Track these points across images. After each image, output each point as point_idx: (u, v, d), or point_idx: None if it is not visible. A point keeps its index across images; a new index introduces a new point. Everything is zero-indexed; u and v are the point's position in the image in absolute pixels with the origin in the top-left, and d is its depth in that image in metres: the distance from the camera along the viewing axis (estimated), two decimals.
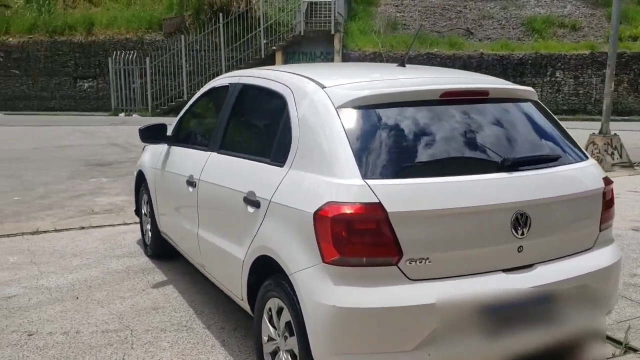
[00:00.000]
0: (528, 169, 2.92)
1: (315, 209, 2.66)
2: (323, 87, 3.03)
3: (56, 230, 6.34)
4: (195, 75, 22.12)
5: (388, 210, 2.58)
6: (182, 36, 22.14)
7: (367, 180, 2.63)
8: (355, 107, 2.88)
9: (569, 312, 2.93)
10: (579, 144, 3.39)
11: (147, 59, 22.13)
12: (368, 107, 2.89)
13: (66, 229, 6.37)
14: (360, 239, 2.60)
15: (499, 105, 3.20)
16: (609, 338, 3.65)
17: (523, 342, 2.83)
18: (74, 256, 5.48)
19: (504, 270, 2.81)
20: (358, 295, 2.59)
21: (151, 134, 4.70)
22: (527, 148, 3.07)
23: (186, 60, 22.25)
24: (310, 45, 22.45)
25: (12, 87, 23.27)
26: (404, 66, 3.56)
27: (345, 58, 22.49)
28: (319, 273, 2.67)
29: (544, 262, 2.93)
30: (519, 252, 2.83)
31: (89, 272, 5.06)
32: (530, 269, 2.88)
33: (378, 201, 2.58)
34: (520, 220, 2.81)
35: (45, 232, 6.29)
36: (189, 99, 21.61)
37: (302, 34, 21.80)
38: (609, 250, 3.22)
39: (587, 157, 3.29)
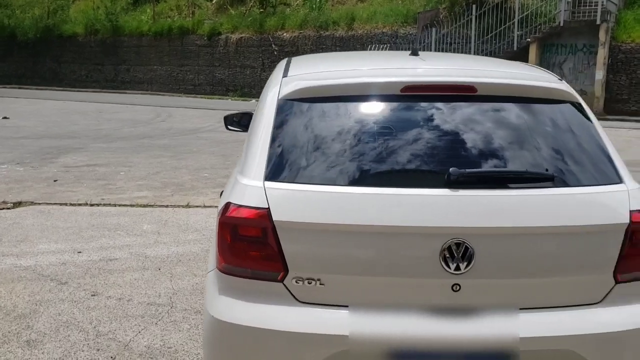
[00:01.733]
0: (484, 188, 2.27)
1: (219, 210, 2.47)
2: (285, 76, 2.76)
3: (204, 206, 6.92)
4: None
5: (274, 218, 2.25)
6: (434, 29, 21.99)
7: (268, 183, 2.33)
8: (296, 100, 2.56)
9: None
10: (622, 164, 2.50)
11: None
12: (310, 100, 2.54)
13: (214, 206, 6.91)
14: (245, 247, 2.32)
15: (496, 105, 2.54)
16: None
17: None
18: (195, 231, 5.93)
19: (430, 310, 2.25)
20: (236, 310, 2.32)
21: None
22: (511, 163, 2.38)
23: None
24: (570, 37, 20.39)
25: None
26: (417, 55, 3.04)
27: (614, 52, 19.94)
28: (213, 279, 2.48)
29: (499, 309, 2.27)
30: (454, 290, 2.24)
31: (193, 247, 5.44)
32: (472, 315, 2.25)
33: (267, 207, 2.28)
34: (455, 252, 2.21)
35: (195, 206, 6.93)
36: None
37: (561, 24, 19.89)
38: (634, 310, 2.34)
39: (620, 181, 2.42)
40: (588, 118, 2.59)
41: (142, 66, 30.29)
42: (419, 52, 3.09)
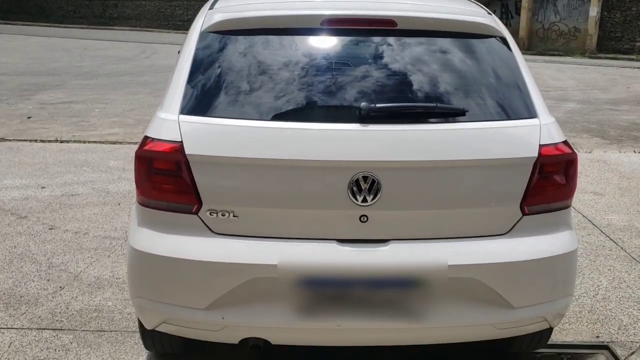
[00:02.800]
0: (394, 122, 2.30)
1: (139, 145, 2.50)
2: (210, 8, 2.73)
3: None
4: None
5: (187, 152, 2.29)
6: None
7: (182, 117, 2.35)
8: (216, 32, 2.53)
9: (437, 308, 2.32)
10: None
11: None
12: (231, 32, 2.52)
13: None
14: (160, 180, 2.36)
15: (417, 39, 2.53)
16: None
17: (355, 329, 2.35)
18: None
19: (339, 241, 2.32)
20: (153, 240, 2.38)
21: None
22: (425, 98, 2.39)
23: None
24: None
25: None
26: None
27: None
28: (135, 211, 2.54)
29: (406, 239, 2.34)
30: (361, 222, 2.30)
31: None
32: (380, 244, 2.32)
33: (180, 140, 2.31)
34: (362, 185, 2.26)
35: None
36: None
37: None
38: (539, 241, 2.41)
39: (534, 116, 2.44)
40: (512, 54, 2.59)
41: (130, 1, 29.67)
42: None
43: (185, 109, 2.36)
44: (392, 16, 2.49)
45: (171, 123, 2.34)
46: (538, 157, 2.34)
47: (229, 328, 2.37)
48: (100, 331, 3.11)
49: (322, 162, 2.25)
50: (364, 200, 2.25)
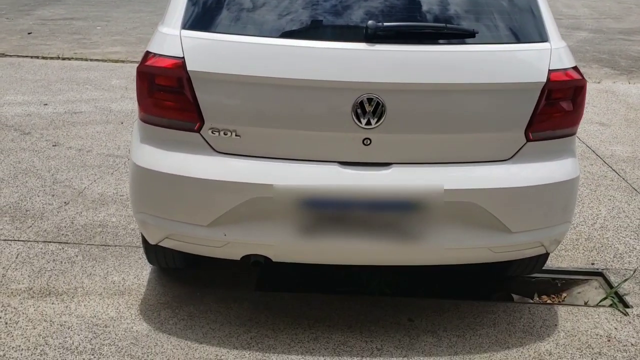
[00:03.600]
0: (402, 43, 2.24)
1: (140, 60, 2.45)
2: None
3: None
4: None
5: (189, 68, 2.25)
6: None
7: (184, 32, 2.30)
8: None
9: (435, 230, 2.35)
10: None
11: None
12: None
13: None
14: (161, 97, 2.33)
15: None
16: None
17: (354, 249, 2.39)
18: None
19: (341, 163, 2.32)
20: (156, 157, 2.38)
21: None
22: (434, 19, 2.33)
23: None
24: None
25: None
26: None
27: None
28: (137, 128, 2.52)
29: (408, 163, 2.34)
30: (365, 145, 2.28)
31: None
32: (382, 168, 2.33)
33: (182, 56, 2.27)
34: (367, 107, 2.23)
35: None
36: None
37: None
38: (541, 167, 2.41)
39: (545, 40, 2.38)
40: None
41: None
42: None
43: (188, 23, 2.31)
44: None
45: (173, 38, 2.30)
46: (547, 83, 2.30)
47: (231, 245, 2.41)
48: (105, 245, 3.17)
49: (326, 82, 2.22)
50: (368, 122, 2.23)
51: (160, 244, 2.53)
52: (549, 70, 2.31)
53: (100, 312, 2.65)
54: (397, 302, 2.82)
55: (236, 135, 2.30)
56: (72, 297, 2.75)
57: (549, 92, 2.32)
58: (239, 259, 2.48)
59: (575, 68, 2.39)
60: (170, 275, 2.97)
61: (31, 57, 6.88)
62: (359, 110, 2.22)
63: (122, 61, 6.83)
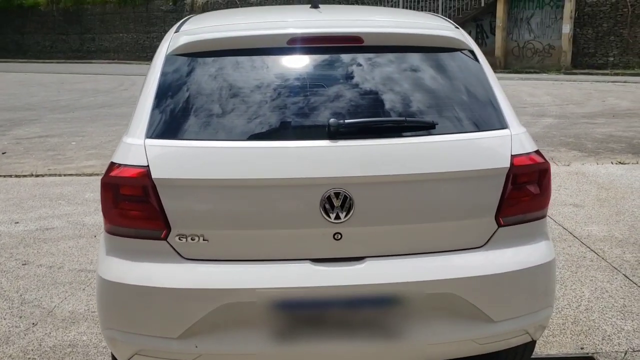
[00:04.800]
0: (364, 138, 2.27)
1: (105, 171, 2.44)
2: (176, 32, 2.70)
3: None
4: None
5: (153, 175, 2.23)
6: None
7: (148, 140, 2.30)
8: (182, 55, 2.51)
9: (416, 326, 2.27)
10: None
11: None
12: (197, 55, 2.49)
13: None
14: (127, 207, 2.30)
15: (385, 55, 2.52)
16: None
17: (334, 353, 2.29)
18: None
19: (313, 261, 2.27)
20: (122, 269, 2.31)
21: None
22: (394, 113, 2.37)
23: None
24: None
25: None
26: (317, 7, 2.99)
27: (580, 5, 19.92)
28: (102, 241, 2.47)
29: (382, 256, 2.30)
30: (335, 239, 2.25)
31: None
32: (355, 262, 2.28)
33: (147, 165, 2.26)
34: (335, 201, 2.21)
35: None
36: None
37: None
38: (516, 252, 2.38)
39: (504, 127, 2.43)
40: (480, 66, 2.58)
41: (107, 34, 29.74)
42: (320, 5, 3.04)
43: (152, 132, 2.32)
44: (359, 33, 2.48)
45: (137, 147, 2.30)
46: (510, 167, 2.32)
47: (204, 357, 2.29)
48: None
49: (292, 179, 2.21)
50: (337, 217, 2.21)
51: None
52: (512, 155, 2.34)
53: None
54: None
55: (204, 240, 2.25)
56: None
57: (514, 176, 2.33)
58: None
59: (537, 152, 2.43)
60: None
61: (3, 176, 6.86)
62: (327, 205, 2.20)
63: (97, 174, 6.83)
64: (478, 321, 2.32)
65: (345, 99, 2.38)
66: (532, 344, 2.70)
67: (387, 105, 2.39)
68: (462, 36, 2.64)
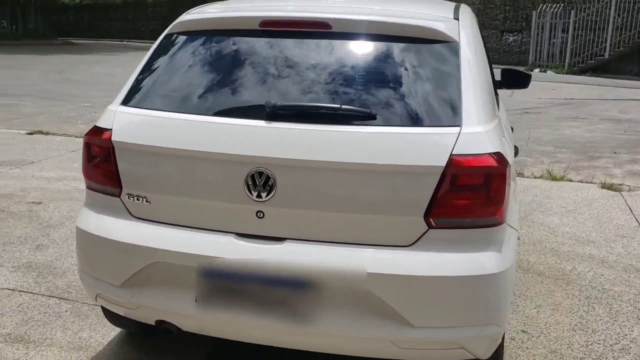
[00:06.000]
0: (299, 122, 2.26)
1: None
2: (188, 13, 2.93)
3: None
4: (625, 30, 19.73)
5: (113, 138, 2.49)
6: None
7: (120, 107, 2.57)
8: (177, 33, 2.74)
9: (326, 314, 2.24)
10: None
11: (572, 12, 20.70)
12: (187, 33, 2.70)
13: None
14: (95, 164, 2.59)
15: (353, 42, 2.48)
16: None
17: (247, 324, 2.34)
18: None
19: (238, 235, 2.35)
20: (89, 219, 2.61)
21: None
22: (333, 99, 2.31)
23: (616, 13, 19.91)
24: None
25: None
26: None
27: None
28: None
29: (302, 240, 2.29)
30: (258, 217, 2.30)
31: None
32: (275, 242, 2.30)
33: (110, 128, 2.52)
34: (257, 180, 2.26)
35: None
36: (611, 58, 19.67)
37: None
38: (448, 258, 2.20)
39: (457, 125, 2.24)
40: (457, 60, 2.41)
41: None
42: None
43: (125, 101, 2.59)
44: (327, 18, 2.48)
45: (109, 113, 2.58)
46: (447, 167, 2.16)
47: (142, 308, 2.50)
48: (95, 305, 3.42)
49: (220, 154, 2.30)
50: (259, 195, 2.26)
51: (96, 302, 2.71)
52: (452, 154, 2.17)
53: None
54: None
55: (147, 202, 2.46)
56: (37, 347, 3.00)
57: (452, 177, 2.17)
58: (153, 323, 2.56)
59: (493, 155, 2.21)
60: (134, 339, 3.10)
61: None
62: (250, 183, 2.27)
63: None
64: (393, 322, 2.21)
65: (295, 82, 2.41)
66: None
67: (334, 93, 2.36)
68: (445, 28, 2.48)
